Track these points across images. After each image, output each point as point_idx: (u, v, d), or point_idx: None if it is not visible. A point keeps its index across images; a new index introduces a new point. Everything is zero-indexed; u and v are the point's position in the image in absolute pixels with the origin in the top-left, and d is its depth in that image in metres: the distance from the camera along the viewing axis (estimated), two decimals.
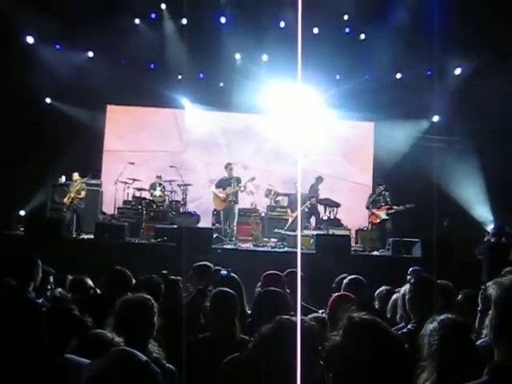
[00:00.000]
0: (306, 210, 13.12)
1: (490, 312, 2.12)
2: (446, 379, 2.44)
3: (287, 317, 2.53)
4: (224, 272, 5.31)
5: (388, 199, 12.77)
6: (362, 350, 1.78)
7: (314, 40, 13.71)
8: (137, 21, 14.42)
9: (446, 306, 3.88)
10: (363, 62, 14.59)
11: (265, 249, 11.47)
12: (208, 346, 3.47)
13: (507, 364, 1.96)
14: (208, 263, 5.65)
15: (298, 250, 9.81)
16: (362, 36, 14.83)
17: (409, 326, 3.68)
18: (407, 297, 3.87)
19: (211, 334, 3.60)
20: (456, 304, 4.33)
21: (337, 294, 4.47)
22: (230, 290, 3.86)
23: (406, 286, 4.13)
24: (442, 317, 2.68)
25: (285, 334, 2.32)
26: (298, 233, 12.10)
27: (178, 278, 5.06)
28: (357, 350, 1.78)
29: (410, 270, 6.71)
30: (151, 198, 13.37)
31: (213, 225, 13.10)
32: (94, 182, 13.84)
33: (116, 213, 13.26)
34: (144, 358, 1.77)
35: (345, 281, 5.23)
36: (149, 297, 3.23)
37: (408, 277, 6.44)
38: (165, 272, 5.02)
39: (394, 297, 4.94)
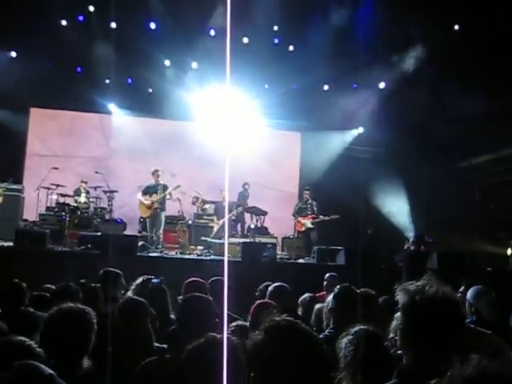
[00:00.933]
0: (234, 217, 13.17)
1: (399, 318, 2.20)
2: None
3: (213, 334, 2.53)
4: (156, 280, 5.29)
5: (315, 208, 13.00)
6: (282, 350, 1.79)
7: (244, 49, 13.85)
8: (63, 22, 14.02)
9: (368, 313, 4.00)
10: (292, 72, 14.78)
11: (191, 256, 11.41)
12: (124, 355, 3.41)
13: (413, 369, 2.04)
14: (118, 271, 5.55)
15: (225, 258, 9.80)
16: (291, 47, 15.09)
17: (326, 332, 3.76)
18: (330, 307, 3.95)
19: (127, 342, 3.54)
20: (377, 311, 4.45)
21: (259, 301, 4.50)
22: (137, 298, 3.87)
23: (330, 297, 4.19)
24: (356, 328, 2.76)
25: (211, 351, 2.31)
26: (226, 241, 12.11)
27: (97, 285, 4.95)
28: (278, 349, 1.79)
29: (327, 275, 6.87)
30: (75, 205, 12.98)
31: (139, 232, 12.90)
32: (14, 187, 13.27)
33: (38, 219, 12.80)
34: (48, 371, 1.72)
35: (269, 288, 5.27)
36: (85, 308, 2.97)
37: (324, 282, 6.60)
38: (83, 281, 4.91)
39: (318, 306, 5.03)
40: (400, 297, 2.15)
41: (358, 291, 4.23)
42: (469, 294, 4.95)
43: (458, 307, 2.11)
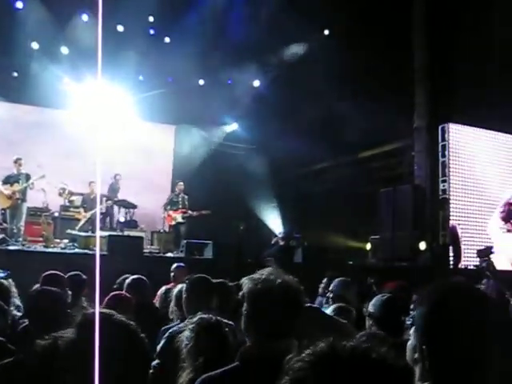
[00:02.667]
0: (103, 210, 12.80)
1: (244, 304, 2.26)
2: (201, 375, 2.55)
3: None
4: (1, 274, 5.01)
5: (186, 202, 12.96)
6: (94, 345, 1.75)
7: (118, 38, 13.47)
8: None
9: (224, 303, 4.07)
10: (167, 65, 14.62)
11: (54, 250, 10.90)
12: None
13: (253, 351, 2.13)
14: None
15: (97, 251, 9.47)
16: (167, 39, 14.91)
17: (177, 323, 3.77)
18: (184, 296, 3.95)
19: None
20: (234, 301, 4.51)
21: (113, 293, 4.41)
22: None
23: (182, 286, 4.21)
24: (197, 317, 2.79)
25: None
26: (97, 233, 11.69)
27: None
28: (90, 344, 1.75)
29: (174, 266, 6.90)
30: None
31: None
32: None
33: None
34: None
35: (127, 281, 5.21)
36: None
37: (172, 273, 6.64)
38: None
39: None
40: (244, 284, 2.23)
41: (214, 281, 4.27)
42: (335, 285, 5.18)
43: (296, 294, 2.22)
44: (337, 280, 5.27)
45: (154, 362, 3.29)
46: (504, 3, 12.15)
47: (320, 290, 6.50)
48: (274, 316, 2.13)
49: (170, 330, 3.54)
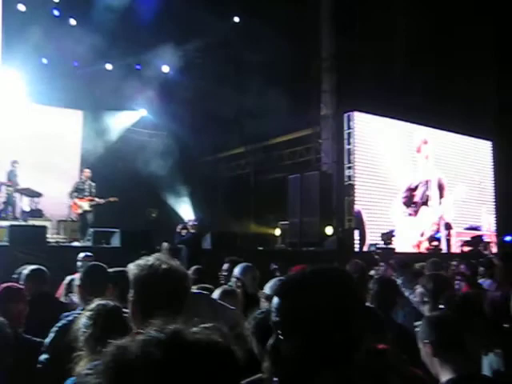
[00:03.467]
0: (3, 199, 12.22)
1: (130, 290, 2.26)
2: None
3: None
4: None
5: (93, 190, 12.57)
6: None
7: (19, 17, 12.85)
8: None
9: (126, 292, 4.01)
10: (72, 48, 14.08)
11: None
12: None
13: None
14: None
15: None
16: (73, 21, 14.37)
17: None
18: (77, 285, 3.87)
19: None
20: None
21: (3, 285, 4.25)
22: None
23: (78, 275, 4.14)
24: (94, 304, 2.75)
25: None
26: None
27: None
28: None
29: (80, 255, 6.74)
30: None
31: None
32: None
33: None
34: None
35: (24, 272, 5.03)
36: None
37: (78, 263, 6.50)
38: None
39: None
40: (130, 271, 2.23)
41: (112, 270, 4.20)
42: (236, 270, 5.21)
43: (181, 280, 2.25)
44: (239, 265, 5.40)
45: (42, 357, 3.15)
46: None
47: (224, 274, 6.53)
48: (159, 302, 2.11)
49: (62, 322, 3.44)
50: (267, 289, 4.11)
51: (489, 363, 3.01)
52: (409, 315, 4.56)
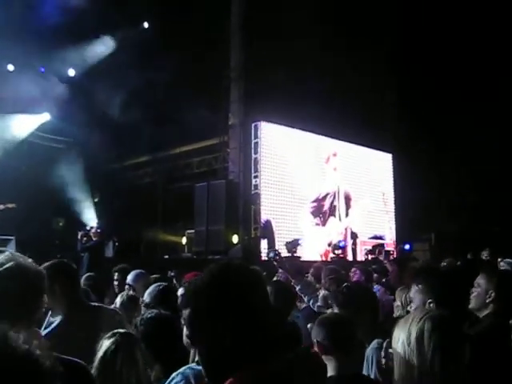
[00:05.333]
0: None
1: None
2: None
3: None
4: None
5: None
6: None
7: None
8: None
9: None
10: None
11: None
12: None
13: None
14: None
15: None
16: None
17: None
18: None
19: None
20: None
21: None
22: None
23: None
24: None
25: None
26: None
27: None
28: None
29: None
30: None
31: None
32: None
33: None
34: None
35: None
36: None
37: None
38: None
39: None
40: None
41: None
42: (129, 277, 5.37)
43: (33, 279, 2.18)
44: (132, 272, 5.45)
45: None
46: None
47: (115, 283, 6.42)
48: (5, 302, 2.07)
49: None
50: (146, 296, 4.10)
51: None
52: (306, 317, 4.64)
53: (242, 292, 1.46)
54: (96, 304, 3.90)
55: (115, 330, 2.58)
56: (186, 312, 1.68)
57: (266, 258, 10.97)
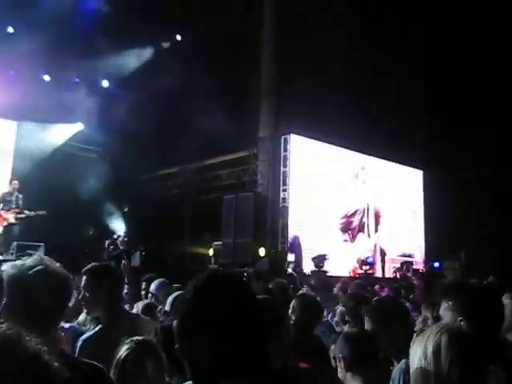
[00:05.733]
0: None
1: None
2: None
3: None
4: None
5: (20, 202, 12.13)
6: None
7: None
8: None
9: None
10: (10, 57, 13.70)
11: None
12: None
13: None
14: None
15: None
16: (11, 29, 14.00)
17: None
18: None
19: None
20: None
21: None
22: None
23: None
24: None
25: None
26: None
27: None
28: None
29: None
30: None
31: None
32: None
33: None
34: None
35: None
36: None
37: None
38: None
39: None
40: (4, 271, 2.11)
41: None
42: (152, 286, 5.54)
43: (60, 284, 2.15)
44: (155, 281, 5.60)
45: None
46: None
47: (142, 293, 6.49)
48: (31, 305, 2.04)
49: None
50: (167, 304, 4.19)
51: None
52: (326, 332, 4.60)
53: (224, 304, 1.43)
54: (134, 312, 3.95)
55: (133, 338, 2.57)
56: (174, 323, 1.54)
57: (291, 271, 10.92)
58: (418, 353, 1.72)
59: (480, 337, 2.18)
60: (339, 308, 5.13)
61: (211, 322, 1.41)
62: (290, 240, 14.03)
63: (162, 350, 2.59)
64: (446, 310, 2.68)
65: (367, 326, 3.25)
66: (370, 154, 16.49)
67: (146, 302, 4.91)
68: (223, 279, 1.50)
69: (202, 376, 1.44)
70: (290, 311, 4.52)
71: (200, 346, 1.42)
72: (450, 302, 2.66)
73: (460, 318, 2.56)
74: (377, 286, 8.83)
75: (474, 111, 15.52)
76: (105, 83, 15.08)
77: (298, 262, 13.78)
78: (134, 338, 2.55)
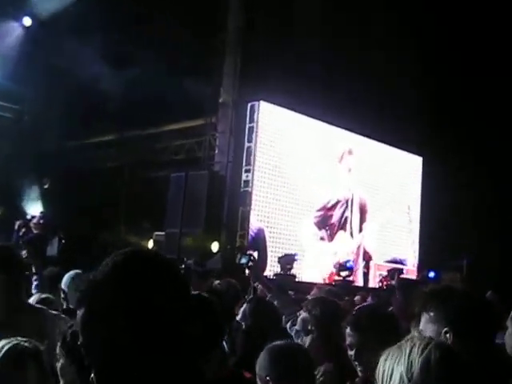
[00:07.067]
0: None
1: None
2: None
3: None
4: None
5: None
6: None
7: None
8: None
9: None
10: None
11: None
12: None
13: None
14: None
15: None
16: None
17: None
18: None
19: None
20: None
21: None
22: None
23: None
24: None
25: None
26: None
27: None
28: None
29: None
30: None
31: None
32: None
33: None
34: None
35: None
36: None
37: None
38: None
39: None
40: None
41: None
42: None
43: None
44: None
45: None
46: None
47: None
48: None
49: None
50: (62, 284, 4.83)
51: None
52: None
53: (146, 290, 1.40)
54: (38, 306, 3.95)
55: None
56: (79, 313, 1.47)
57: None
58: (398, 372, 1.73)
59: (474, 352, 2.27)
60: (302, 315, 5.15)
61: (125, 312, 1.37)
62: (252, 233, 13.85)
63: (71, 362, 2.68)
64: (426, 323, 2.77)
65: (349, 339, 3.27)
66: (359, 133, 16.33)
67: (40, 295, 4.91)
68: (153, 258, 1.49)
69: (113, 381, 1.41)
70: (239, 317, 4.73)
71: (110, 342, 1.38)
72: (432, 313, 2.75)
73: (445, 330, 2.64)
74: (357, 297, 8.74)
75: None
76: (26, 21, 14.54)
77: (263, 261, 13.67)
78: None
